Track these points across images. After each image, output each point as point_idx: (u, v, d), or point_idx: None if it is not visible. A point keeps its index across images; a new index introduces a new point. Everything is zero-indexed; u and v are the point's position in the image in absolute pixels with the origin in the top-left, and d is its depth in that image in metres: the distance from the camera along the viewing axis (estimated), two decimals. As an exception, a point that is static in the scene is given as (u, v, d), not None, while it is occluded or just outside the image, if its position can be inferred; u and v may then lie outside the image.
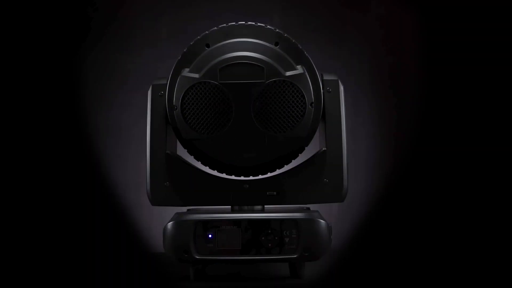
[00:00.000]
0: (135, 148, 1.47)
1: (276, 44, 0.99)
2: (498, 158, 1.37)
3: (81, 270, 1.15)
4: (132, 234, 1.42)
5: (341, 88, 1.07)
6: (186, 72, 1.00)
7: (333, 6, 1.55)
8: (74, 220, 1.37)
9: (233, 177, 1.04)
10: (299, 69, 0.99)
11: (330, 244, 1.00)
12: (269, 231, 0.98)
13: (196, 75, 0.98)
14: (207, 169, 1.05)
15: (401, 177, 1.48)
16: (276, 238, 0.98)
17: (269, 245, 0.98)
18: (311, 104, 0.99)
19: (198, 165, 1.07)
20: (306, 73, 0.99)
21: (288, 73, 0.98)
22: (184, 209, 1.10)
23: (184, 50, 1.02)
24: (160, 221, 1.03)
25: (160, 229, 0.99)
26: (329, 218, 1.03)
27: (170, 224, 0.98)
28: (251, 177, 1.05)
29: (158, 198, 1.04)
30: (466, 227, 1.35)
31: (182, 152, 1.08)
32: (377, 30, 1.55)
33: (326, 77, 1.06)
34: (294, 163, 1.05)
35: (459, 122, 1.43)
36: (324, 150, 1.04)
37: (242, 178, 1.04)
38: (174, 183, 1.04)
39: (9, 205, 1.31)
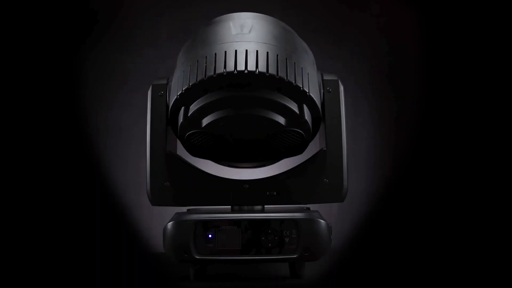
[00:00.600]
0: (135, 148, 1.47)
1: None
2: (498, 158, 1.37)
3: (81, 270, 1.15)
4: (132, 234, 1.42)
5: (341, 88, 1.08)
6: None
7: (333, 6, 1.55)
8: (74, 220, 1.37)
9: (234, 176, 1.05)
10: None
11: (330, 244, 1.00)
12: (269, 231, 0.98)
13: None
14: (207, 169, 1.05)
15: (401, 177, 1.48)
16: (276, 238, 0.98)
17: (269, 245, 0.98)
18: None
19: (198, 165, 1.07)
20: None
21: None
22: (184, 209, 1.10)
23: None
24: (160, 221, 1.03)
25: (160, 229, 0.99)
26: (329, 218, 1.03)
27: (170, 224, 0.98)
28: (251, 177, 1.05)
29: (158, 198, 1.04)
30: (466, 227, 1.35)
31: (181, 152, 1.08)
32: (377, 30, 1.55)
33: (326, 77, 1.06)
34: (294, 163, 1.06)
35: (459, 122, 1.43)
36: (324, 150, 1.04)
37: (242, 178, 1.05)
38: (174, 183, 1.04)
39: (9, 205, 1.31)
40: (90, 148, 1.44)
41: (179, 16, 1.50)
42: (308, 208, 1.06)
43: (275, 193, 1.03)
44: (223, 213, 1.00)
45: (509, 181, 1.35)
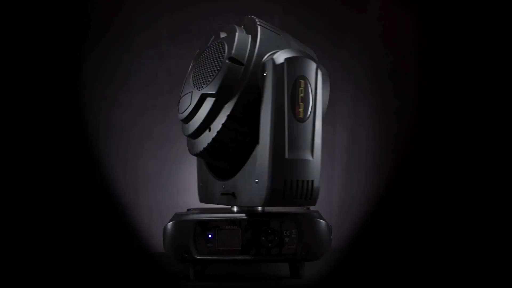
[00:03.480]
0: (135, 148, 1.48)
1: (244, 26, 1.00)
2: (498, 158, 1.37)
3: (81, 270, 1.15)
4: (132, 234, 1.42)
5: (284, 67, 0.91)
6: None
7: (333, 6, 1.55)
8: (74, 220, 1.37)
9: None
10: (235, 31, 0.96)
11: (330, 244, 1.00)
12: (269, 231, 0.98)
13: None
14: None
15: (401, 177, 1.48)
16: (276, 238, 0.98)
17: (269, 245, 0.98)
18: (231, 59, 0.93)
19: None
20: (238, 35, 0.95)
21: (223, 35, 0.99)
22: (184, 209, 1.10)
23: None
24: (160, 221, 1.03)
25: (160, 229, 0.99)
26: (329, 218, 1.03)
27: (170, 224, 0.98)
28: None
29: (200, 197, 1.14)
30: (465, 226, 1.35)
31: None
32: (377, 30, 1.55)
33: (266, 58, 0.93)
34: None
35: (459, 122, 1.43)
36: (256, 145, 0.94)
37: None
38: (200, 183, 1.14)
39: (9, 205, 1.31)
40: (90, 148, 1.44)
41: (179, 16, 1.50)
42: (308, 208, 1.06)
43: (232, 192, 1.00)
44: (223, 213, 1.00)
45: (509, 181, 1.35)
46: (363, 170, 1.52)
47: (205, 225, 0.98)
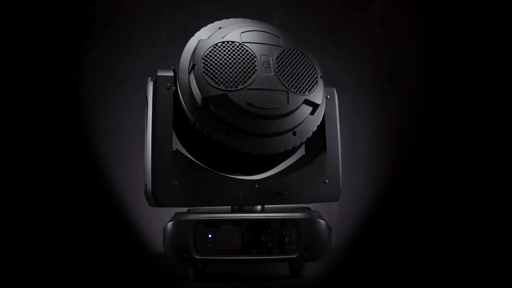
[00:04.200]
0: (135, 148, 1.47)
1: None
2: (498, 158, 1.37)
3: (81, 270, 1.15)
4: (132, 234, 1.42)
5: (336, 97, 1.12)
6: (205, 39, 1.01)
7: (333, 6, 1.55)
8: (74, 219, 1.37)
9: (244, 177, 1.06)
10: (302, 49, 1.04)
11: (330, 244, 1.00)
12: (269, 231, 0.98)
13: (218, 39, 1.00)
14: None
15: (401, 177, 1.49)
16: (276, 238, 0.98)
17: (269, 245, 0.98)
18: (320, 77, 1.03)
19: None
20: (310, 54, 1.04)
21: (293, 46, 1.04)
22: (184, 209, 1.10)
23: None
24: (160, 221, 1.03)
25: (160, 229, 0.99)
26: (329, 218, 1.03)
27: (170, 224, 0.98)
28: (258, 176, 1.07)
29: (165, 199, 0.99)
30: (465, 226, 1.35)
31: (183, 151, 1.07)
32: (377, 30, 1.55)
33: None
34: (298, 164, 1.09)
35: (459, 123, 1.43)
36: (324, 152, 1.09)
37: (250, 178, 1.06)
38: (182, 182, 1.00)
39: (9, 204, 1.31)
40: (90, 148, 1.44)
41: (179, 16, 1.50)
42: (308, 208, 1.06)
43: (286, 192, 1.04)
44: (223, 213, 1.00)
45: (509, 181, 1.35)
46: (363, 170, 1.52)
47: (205, 225, 0.98)
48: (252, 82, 0.96)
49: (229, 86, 0.95)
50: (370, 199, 1.50)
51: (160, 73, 1.04)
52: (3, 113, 1.35)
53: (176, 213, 1.01)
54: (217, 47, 0.98)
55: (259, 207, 1.05)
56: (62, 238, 1.33)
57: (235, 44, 0.99)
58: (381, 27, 1.55)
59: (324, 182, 1.08)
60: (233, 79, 0.96)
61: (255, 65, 0.98)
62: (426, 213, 1.41)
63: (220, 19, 1.06)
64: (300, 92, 0.99)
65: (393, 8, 1.54)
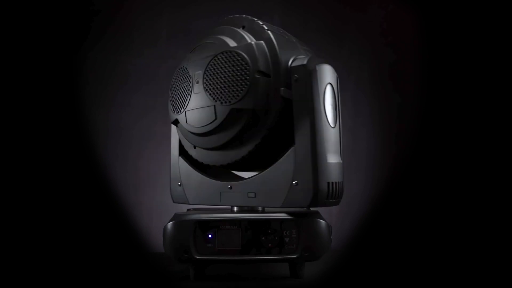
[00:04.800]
0: (135, 148, 1.48)
1: (243, 27, 1.01)
2: (497, 158, 1.37)
3: (81, 270, 1.15)
4: (132, 234, 1.42)
5: (317, 74, 0.95)
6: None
7: (333, 6, 1.55)
8: (74, 219, 1.37)
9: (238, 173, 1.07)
10: (248, 41, 0.97)
11: (330, 244, 1.00)
12: (269, 231, 0.98)
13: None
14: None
15: (401, 177, 1.48)
16: (276, 238, 0.98)
17: (269, 245, 0.97)
18: (259, 72, 0.94)
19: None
20: (256, 44, 0.95)
21: (234, 45, 0.97)
22: (184, 209, 1.10)
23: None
24: (160, 221, 1.03)
25: (160, 229, 0.99)
26: (329, 218, 1.03)
27: (170, 224, 0.98)
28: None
29: (175, 197, 1.12)
30: (465, 226, 1.35)
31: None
32: (377, 30, 1.55)
33: (294, 64, 0.96)
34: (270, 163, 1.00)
35: (459, 123, 1.43)
36: (293, 147, 0.95)
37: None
38: (184, 184, 1.10)
39: (8, 204, 1.31)
40: (90, 148, 1.44)
41: (179, 16, 1.50)
42: (308, 208, 1.06)
43: (254, 194, 1.00)
44: (223, 213, 1.00)
45: (509, 181, 1.35)
46: (363, 170, 1.52)
47: (205, 225, 0.98)
48: (187, 104, 1.01)
49: (177, 111, 1.03)
50: (370, 199, 1.50)
51: None
52: (3, 113, 1.35)
53: (176, 213, 1.01)
54: (175, 74, 1.06)
55: (260, 207, 1.04)
56: (62, 238, 1.33)
57: (181, 69, 1.04)
58: (381, 27, 1.55)
59: (294, 183, 0.95)
60: (179, 104, 1.03)
61: (190, 86, 1.01)
62: (426, 213, 1.41)
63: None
64: (225, 102, 0.95)
65: (393, 8, 1.54)
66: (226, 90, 0.95)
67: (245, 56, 0.94)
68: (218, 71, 0.96)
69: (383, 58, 1.55)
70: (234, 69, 0.95)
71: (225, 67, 0.96)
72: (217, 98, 0.96)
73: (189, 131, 1.02)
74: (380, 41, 1.55)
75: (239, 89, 0.94)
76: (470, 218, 1.36)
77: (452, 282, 1.05)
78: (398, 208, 1.45)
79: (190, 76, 1.01)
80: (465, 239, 1.32)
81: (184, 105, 1.01)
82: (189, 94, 1.01)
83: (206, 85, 0.98)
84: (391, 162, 1.52)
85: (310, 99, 0.93)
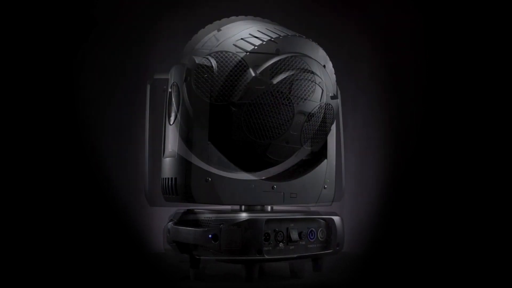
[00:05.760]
0: (135, 148, 1.47)
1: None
2: (498, 157, 1.37)
3: (81, 270, 1.15)
4: (132, 234, 1.42)
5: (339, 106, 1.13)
6: None
7: (333, 6, 1.55)
8: (74, 219, 1.37)
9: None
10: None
11: (330, 244, 1.02)
12: (270, 231, 0.97)
13: None
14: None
15: (401, 177, 1.48)
16: (277, 238, 0.97)
17: (269, 244, 0.97)
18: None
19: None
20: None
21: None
22: (184, 209, 1.10)
23: None
24: (160, 221, 1.03)
25: (160, 229, 0.99)
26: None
27: (170, 224, 0.98)
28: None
29: (199, 195, 0.98)
30: (465, 227, 1.35)
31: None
32: (377, 31, 1.55)
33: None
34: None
35: (459, 123, 1.43)
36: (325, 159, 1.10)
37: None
38: (214, 181, 0.98)
39: (8, 204, 1.31)
40: (90, 148, 1.44)
41: (179, 16, 1.50)
42: (308, 208, 1.07)
43: (295, 195, 1.05)
44: (224, 213, 1.00)
45: (509, 181, 1.35)
46: (363, 170, 1.52)
47: (205, 225, 0.97)
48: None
49: (269, 138, 1.02)
50: (370, 199, 1.50)
51: (156, 76, 1.12)
52: (3, 113, 1.35)
53: (176, 213, 1.01)
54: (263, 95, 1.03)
55: (269, 207, 1.05)
56: (62, 238, 1.33)
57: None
58: (381, 27, 1.55)
59: (325, 187, 1.09)
60: (271, 131, 1.01)
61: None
62: (427, 213, 1.41)
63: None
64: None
65: (393, 8, 1.54)
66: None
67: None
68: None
69: (383, 58, 1.55)
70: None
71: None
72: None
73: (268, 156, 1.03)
74: (380, 41, 1.55)
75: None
76: (471, 218, 1.36)
77: (452, 282, 1.05)
78: (399, 208, 1.45)
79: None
80: (466, 239, 1.32)
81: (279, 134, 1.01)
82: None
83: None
84: (391, 162, 1.52)
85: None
